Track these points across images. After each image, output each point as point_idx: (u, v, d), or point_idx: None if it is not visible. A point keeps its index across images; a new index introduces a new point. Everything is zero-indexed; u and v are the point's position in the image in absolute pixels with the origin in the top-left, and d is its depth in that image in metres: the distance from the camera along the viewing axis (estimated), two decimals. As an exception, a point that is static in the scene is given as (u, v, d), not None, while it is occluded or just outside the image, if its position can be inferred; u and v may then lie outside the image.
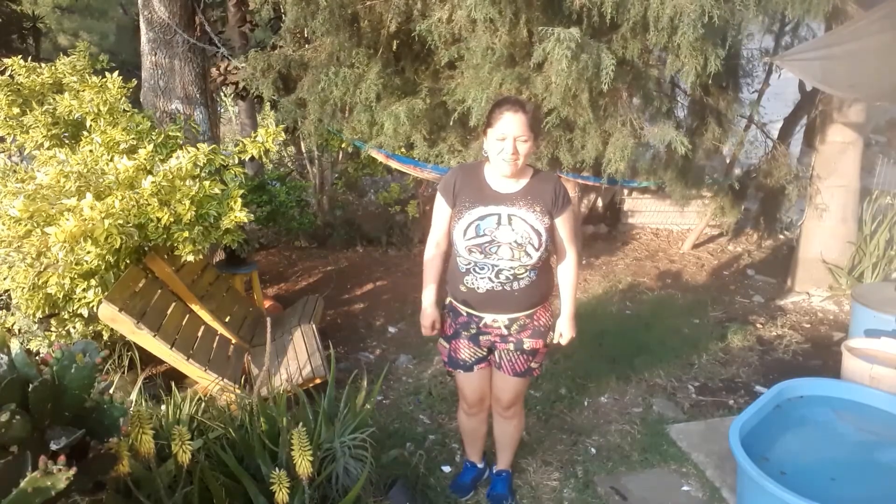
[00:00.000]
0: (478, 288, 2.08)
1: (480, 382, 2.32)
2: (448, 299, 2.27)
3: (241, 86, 4.66)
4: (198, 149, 3.04)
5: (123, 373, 3.11)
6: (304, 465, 1.79)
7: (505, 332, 2.15)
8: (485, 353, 2.25)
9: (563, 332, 2.24)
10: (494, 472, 2.59)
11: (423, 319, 2.26)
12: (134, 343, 2.90)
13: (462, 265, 2.10)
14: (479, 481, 2.61)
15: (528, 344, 2.16)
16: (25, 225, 2.63)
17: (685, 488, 2.60)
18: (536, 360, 2.23)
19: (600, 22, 3.29)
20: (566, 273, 2.20)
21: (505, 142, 1.93)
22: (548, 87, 3.36)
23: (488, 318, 2.14)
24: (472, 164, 2.23)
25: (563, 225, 2.09)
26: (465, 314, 2.18)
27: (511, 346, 2.17)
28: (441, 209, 2.15)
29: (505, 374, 2.23)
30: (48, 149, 3.19)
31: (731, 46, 3.44)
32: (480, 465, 2.63)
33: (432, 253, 2.22)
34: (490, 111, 2.00)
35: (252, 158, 3.50)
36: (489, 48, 3.37)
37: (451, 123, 3.86)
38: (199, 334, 3.16)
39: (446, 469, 2.72)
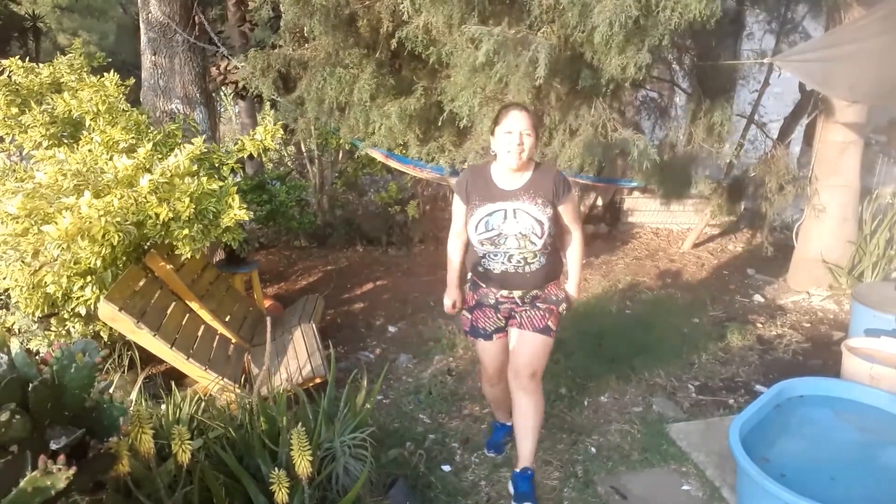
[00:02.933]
0: (493, 269, 2.39)
1: (499, 351, 2.56)
2: (470, 274, 2.57)
3: (240, 85, 4.66)
4: (193, 144, 3.03)
5: (123, 372, 3.11)
6: (303, 465, 1.79)
7: (519, 302, 2.44)
8: (503, 324, 2.51)
9: (570, 293, 2.57)
10: (518, 470, 2.50)
11: (445, 299, 2.60)
12: (134, 342, 2.90)
13: (479, 251, 2.43)
14: (510, 437, 2.79)
15: (542, 305, 2.44)
16: (23, 223, 2.63)
17: (685, 488, 2.60)
18: (552, 320, 2.44)
19: (563, 23, 3.36)
20: (572, 248, 2.54)
21: (512, 135, 2.23)
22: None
23: (504, 291, 2.43)
24: (480, 165, 2.52)
25: (566, 210, 2.39)
26: (484, 286, 2.49)
27: (527, 308, 2.45)
28: (458, 206, 2.48)
29: (526, 330, 2.43)
30: (47, 148, 3.18)
31: (722, 48, 3.47)
32: (510, 424, 2.77)
33: (454, 242, 2.58)
34: (498, 113, 2.34)
35: (251, 157, 3.50)
36: (463, 50, 3.44)
37: (441, 122, 3.92)
38: (199, 334, 3.16)
39: (446, 468, 2.72)
